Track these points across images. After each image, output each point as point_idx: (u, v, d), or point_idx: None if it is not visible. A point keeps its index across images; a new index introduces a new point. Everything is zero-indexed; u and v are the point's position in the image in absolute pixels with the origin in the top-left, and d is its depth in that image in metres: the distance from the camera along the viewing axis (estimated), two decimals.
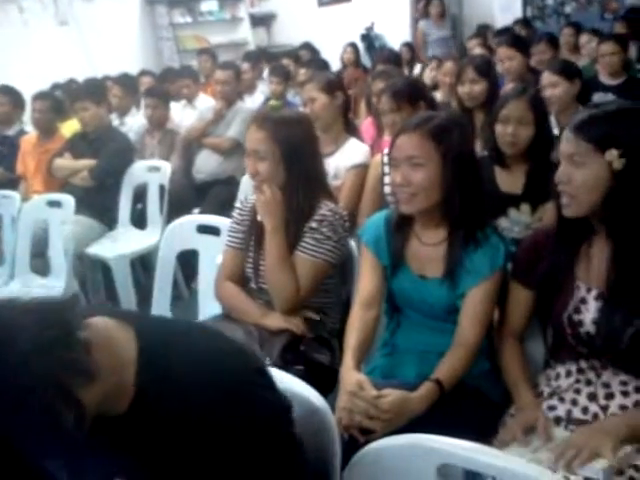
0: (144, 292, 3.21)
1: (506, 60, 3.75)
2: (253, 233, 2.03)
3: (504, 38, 4.20)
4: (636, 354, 1.42)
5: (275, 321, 1.91)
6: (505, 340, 1.66)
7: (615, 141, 1.34)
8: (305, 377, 1.74)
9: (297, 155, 1.95)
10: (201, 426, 0.96)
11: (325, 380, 1.80)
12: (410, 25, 8.20)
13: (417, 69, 6.36)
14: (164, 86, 5.09)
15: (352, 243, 2.06)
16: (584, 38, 5.19)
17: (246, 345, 1.23)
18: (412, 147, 1.61)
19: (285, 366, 1.81)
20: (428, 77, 4.77)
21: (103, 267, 3.70)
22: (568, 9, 7.37)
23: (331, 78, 2.95)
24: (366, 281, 1.78)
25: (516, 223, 2.36)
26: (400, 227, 1.75)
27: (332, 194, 2.08)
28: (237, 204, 2.18)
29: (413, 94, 2.64)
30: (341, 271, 2.09)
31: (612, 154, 1.33)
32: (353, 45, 7.09)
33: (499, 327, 1.70)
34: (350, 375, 1.55)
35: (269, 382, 1.08)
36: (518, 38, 4.39)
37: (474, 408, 1.60)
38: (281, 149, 1.92)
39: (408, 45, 7.22)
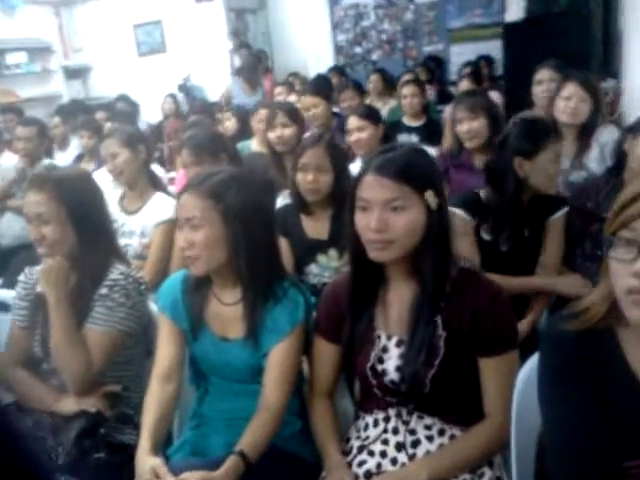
0: None
1: (311, 108, 3.85)
2: (40, 307, 1.83)
3: (308, 87, 4.34)
4: (438, 396, 1.43)
5: (68, 405, 1.71)
6: (314, 398, 1.60)
7: (429, 182, 1.36)
8: (107, 465, 1.57)
9: (84, 214, 1.80)
10: None
11: (132, 462, 1.63)
12: (231, 76, 8.29)
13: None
14: None
15: (154, 307, 1.92)
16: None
17: None
18: (191, 208, 1.53)
19: (83, 456, 1.62)
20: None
21: None
22: (374, 57, 7.90)
23: (132, 132, 2.82)
24: (164, 351, 1.65)
25: (326, 268, 2.37)
26: (198, 288, 1.65)
27: (123, 255, 1.94)
28: (21, 277, 1.96)
29: (214, 147, 2.59)
30: (145, 339, 1.94)
31: (430, 195, 1.35)
32: (172, 96, 7.00)
33: (309, 384, 1.64)
34: (144, 460, 1.42)
35: None
36: (321, 87, 4.53)
37: (288, 473, 1.53)
38: (66, 208, 1.76)
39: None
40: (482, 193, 2.21)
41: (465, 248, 2.07)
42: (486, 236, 2.16)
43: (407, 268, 1.44)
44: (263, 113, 4.13)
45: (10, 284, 2.97)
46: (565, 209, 2.18)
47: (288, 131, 3.08)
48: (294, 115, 3.16)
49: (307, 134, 2.93)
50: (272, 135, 3.12)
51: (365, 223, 1.37)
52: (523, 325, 2.09)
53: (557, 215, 2.17)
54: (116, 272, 1.79)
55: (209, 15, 8.09)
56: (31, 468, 0.80)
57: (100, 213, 1.89)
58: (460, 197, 2.24)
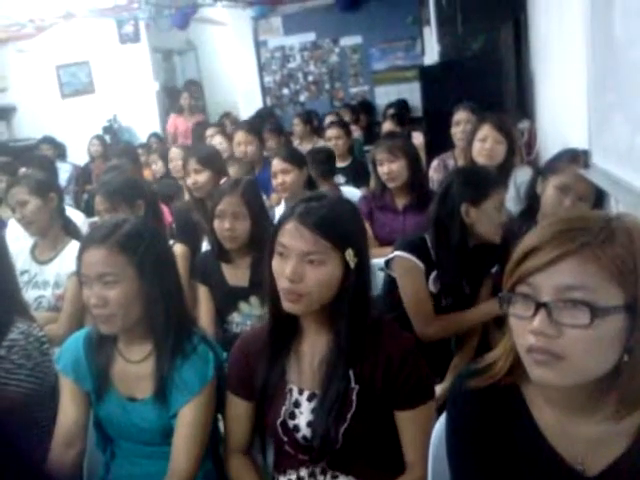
0: None
1: (242, 144, 3.98)
2: None
3: (243, 124, 4.36)
4: (351, 451, 1.38)
5: None
6: (230, 455, 1.53)
7: (350, 240, 1.33)
8: None
9: None
10: None
11: None
12: (159, 116, 8.22)
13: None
14: None
15: None
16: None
17: None
18: (103, 263, 1.44)
19: None
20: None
21: None
22: (302, 98, 8.02)
23: (42, 179, 2.70)
24: (66, 415, 1.55)
25: (248, 317, 2.32)
26: (101, 346, 1.56)
27: (26, 311, 1.83)
28: None
29: (129, 193, 2.51)
30: (53, 402, 1.82)
31: (350, 254, 1.32)
32: (99, 137, 6.87)
33: (224, 442, 1.57)
34: None
35: None
36: (256, 126, 4.57)
37: None
38: None
39: (157, 136, 7.18)
40: (427, 238, 2.14)
41: (417, 294, 2.07)
42: (433, 288, 2.11)
43: (322, 320, 1.40)
44: (175, 152, 4.17)
45: None
46: (497, 266, 2.16)
47: (201, 177, 3.04)
48: (207, 160, 3.11)
49: (223, 180, 2.90)
50: (188, 181, 3.09)
51: (281, 270, 1.33)
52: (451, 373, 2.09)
53: (492, 272, 2.16)
54: (16, 331, 1.68)
55: (135, 56, 8.03)
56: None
57: (3, 267, 1.79)
58: (408, 241, 2.17)
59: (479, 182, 2.09)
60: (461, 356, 2.16)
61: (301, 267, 1.31)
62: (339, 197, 1.53)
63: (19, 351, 1.66)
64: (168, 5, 7.28)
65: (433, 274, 2.10)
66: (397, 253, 2.11)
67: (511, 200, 2.90)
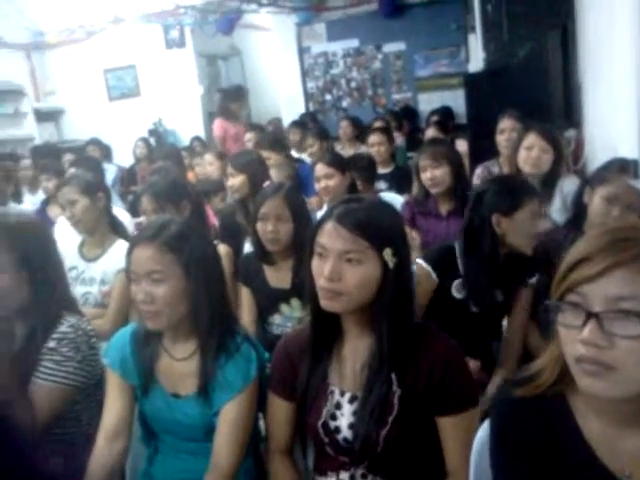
0: None
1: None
2: None
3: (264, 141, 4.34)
4: (392, 455, 1.38)
5: None
6: (272, 455, 1.54)
7: (389, 240, 1.34)
8: None
9: (38, 263, 1.74)
10: None
11: None
12: (203, 120, 8.34)
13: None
14: None
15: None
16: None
17: None
18: (151, 261, 1.48)
19: None
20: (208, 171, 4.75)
21: None
22: (344, 104, 8.04)
23: (90, 179, 2.78)
24: (111, 409, 1.59)
25: (289, 319, 2.33)
26: (148, 342, 1.60)
27: (75, 306, 1.88)
28: None
29: (175, 194, 2.56)
30: (98, 392, 1.86)
31: (388, 253, 1.33)
32: (144, 140, 7.00)
33: (266, 441, 1.59)
34: None
35: None
36: (275, 142, 4.50)
37: None
38: (19, 258, 1.70)
39: (199, 139, 7.29)
40: (457, 246, 2.13)
41: (417, 299, 2.05)
42: (457, 294, 2.10)
43: (363, 322, 1.41)
44: (209, 158, 4.23)
45: None
46: (538, 276, 2.13)
47: (237, 180, 3.12)
48: (242, 165, 3.18)
49: (267, 183, 2.96)
50: (228, 184, 3.19)
51: (319, 270, 1.35)
52: (494, 383, 2.06)
53: (529, 282, 2.13)
54: (66, 324, 1.73)
55: (180, 61, 8.18)
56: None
57: (54, 263, 1.84)
58: (433, 252, 2.18)
59: (512, 192, 2.06)
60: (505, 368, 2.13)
61: (339, 266, 1.32)
62: (378, 199, 1.53)
63: (68, 344, 1.70)
64: (213, 11, 7.39)
65: (457, 281, 2.09)
66: (417, 260, 2.13)
67: (557, 210, 2.86)
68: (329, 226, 1.34)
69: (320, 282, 1.34)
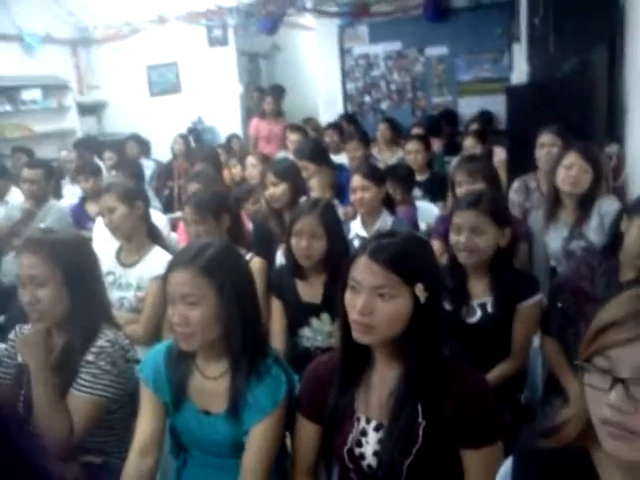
0: None
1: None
2: (25, 369, 1.82)
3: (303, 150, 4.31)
4: None
5: None
6: (297, 477, 1.57)
7: (421, 275, 1.35)
8: None
9: (80, 278, 1.81)
10: None
11: None
12: (241, 118, 8.41)
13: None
14: None
15: None
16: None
17: None
18: (186, 285, 1.52)
19: None
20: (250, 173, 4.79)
21: None
22: (383, 106, 7.99)
23: (130, 188, 2.83)
24: (144, 424, 1.64)
25: (319, 332, 2.36)
26: (181, 360, 1.64)
27: (114, 319, 1.94)
28: (11, 334, 1.96)
29: (216, 207, 2.61)
30: (131, 401, 1.92)
31: (420, 288, 1.34)
32: (183, 136, 7.07)
33: (291, 462, 1.61)
34: None
35: None
36: (314, 152, 4.43)
37: None
38: (62, 272, 1.76)
39: (236, 137, 7.35)
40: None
41: None
42: (447, 305, 2.13)
43: (393, 353, 1.42)
44: (252, 161, 4.23)
45: (12, 322, 2.99)
46: (538, 297, 2.15)
47: (278, 190, 3.13)
48: (284, 174, 3.19)
49: (303, 199, 2.96)
50: (266, 193, 3.19)
51: (352, 303, 1.38)
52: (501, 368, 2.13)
53: (529, 302, 2.13)
54: (104, 338, 1.79)
55: (222, 58, 8.25)
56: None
57: (94, 277, 1.90)
58: None
59: None
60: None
61: (372, 301, 1.34)
62: (411, 234, 1.54)
63: (106, 357, 1.76)
64: (257, 11, 7.44)
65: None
66: None
67: (593, 229, 2.82)
68: (362, 261, 1.37)
69: (353, 316, 1.37)
